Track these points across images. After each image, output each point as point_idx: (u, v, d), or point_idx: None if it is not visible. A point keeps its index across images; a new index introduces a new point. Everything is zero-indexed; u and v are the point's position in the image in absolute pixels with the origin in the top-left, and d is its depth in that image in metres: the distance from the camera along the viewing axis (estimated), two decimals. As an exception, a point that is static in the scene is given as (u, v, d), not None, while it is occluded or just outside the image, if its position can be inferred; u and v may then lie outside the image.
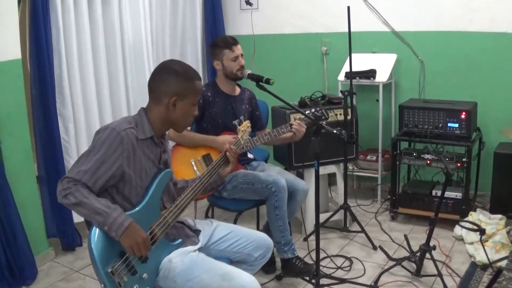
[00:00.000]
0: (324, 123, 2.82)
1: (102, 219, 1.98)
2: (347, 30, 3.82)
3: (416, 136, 4.06)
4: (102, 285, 1.97)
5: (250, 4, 5.31)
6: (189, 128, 3.16)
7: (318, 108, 3.23)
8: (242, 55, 3.36)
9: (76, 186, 1.99)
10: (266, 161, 3.86)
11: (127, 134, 2.12)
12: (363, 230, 3.89)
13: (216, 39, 3.59)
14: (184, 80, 2.25)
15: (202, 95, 3.25)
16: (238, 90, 3.49)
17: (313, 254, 3.16)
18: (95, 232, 2.00)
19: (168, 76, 2.25)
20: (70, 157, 3.76)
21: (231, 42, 3.34)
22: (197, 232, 2.45)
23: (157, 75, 2.28)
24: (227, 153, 2.60)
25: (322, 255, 3.53)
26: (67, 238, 3.81)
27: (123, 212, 2.04)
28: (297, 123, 3.21)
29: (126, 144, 2.11)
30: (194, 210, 4.04)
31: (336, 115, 3.92)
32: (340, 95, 4.10)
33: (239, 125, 2.97)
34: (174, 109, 2.25)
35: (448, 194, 3.90)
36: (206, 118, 3.33)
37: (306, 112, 3.05)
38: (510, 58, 4.22)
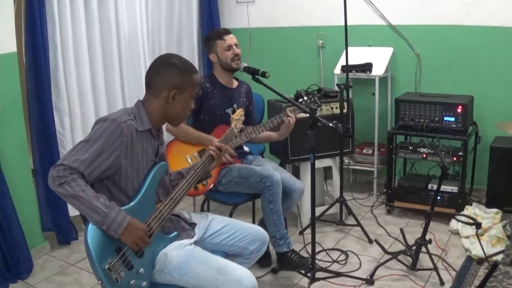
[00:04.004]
0: (317, 114, 2.81)
1: (100, 218, 1.97)
2: (343, 23, 3.81)
3: (412, 130, 4.06)
4: (99, 281, 1.96)
5: (246, -3, 5.29)
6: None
7: (310, 96, 3.20)
8: (236, 44, 3.34)
9: (72, 175, 1.97)
10: (262, 155, 3.85)
11: (127, 125, 2.11)
12: (359, 224, 3.89)
13: (209, 32, 3.58)
14: (183, 74, 2.25)
15: (201, 86, 3.23)
16: (235, 83, 3.49)
17: (309, 248, 3.15)
18: (92, 228, 1.99)
19: (167, 70, 2.24)
20: (66, 150, 3.72)
21: (223, 32, 3.35)
22: (192, 225, 2.45)
23: (156, 69, 2.27)
24: (210, 151, 2.52)
25: (317, 248, 3.53)
26: (63, 232, 3.80)
27: (121, 210, 2.03)
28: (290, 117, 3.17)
29: (126, 136, 2.10)
30: (193, 205, 4.04)
31: (332, 108, 3.92)
32: (336, 88, 4.09)
33: (233, 113, 2.98)
34: (173, 102, 2.24)
35: (444, 188, 3.90)
36: (204, 109, 3.31)
37: (299, 101, 3.04)
38: (507, 52, 4.22)
